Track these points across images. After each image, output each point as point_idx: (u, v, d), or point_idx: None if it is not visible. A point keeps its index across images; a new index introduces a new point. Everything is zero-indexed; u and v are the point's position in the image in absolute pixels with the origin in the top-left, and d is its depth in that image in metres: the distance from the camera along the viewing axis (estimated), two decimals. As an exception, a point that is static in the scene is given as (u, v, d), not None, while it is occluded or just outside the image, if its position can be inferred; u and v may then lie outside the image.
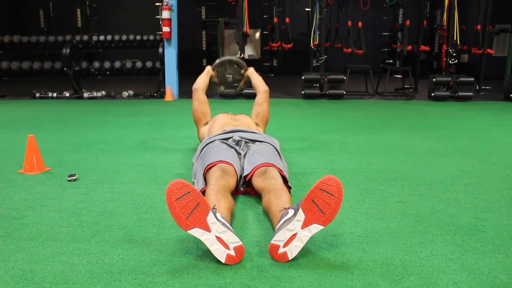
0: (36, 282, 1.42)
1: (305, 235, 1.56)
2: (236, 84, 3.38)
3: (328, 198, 1.56)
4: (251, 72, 3.33)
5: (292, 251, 1.56)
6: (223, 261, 1.53)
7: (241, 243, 1.54)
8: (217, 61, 3.32)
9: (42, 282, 1.42)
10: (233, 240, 1.53)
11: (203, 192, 2.06)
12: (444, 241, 1.74)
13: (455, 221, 1.96)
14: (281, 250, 1.56)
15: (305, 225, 1.55)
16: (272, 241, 1.57)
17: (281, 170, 2.19)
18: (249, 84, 3.57)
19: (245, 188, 2.29)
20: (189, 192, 1.53)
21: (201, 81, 3.14)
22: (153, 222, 1.94)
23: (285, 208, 1.71)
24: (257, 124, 2.97)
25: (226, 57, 3.36)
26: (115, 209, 2.09)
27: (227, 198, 1.92)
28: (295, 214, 1.58)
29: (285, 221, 1.59)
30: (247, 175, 2.21)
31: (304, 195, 1.60)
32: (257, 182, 2.14)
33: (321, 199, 1.56)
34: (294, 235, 1.56)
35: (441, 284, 1.41)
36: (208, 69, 3.25)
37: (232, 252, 1.53)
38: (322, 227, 1.56)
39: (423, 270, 1.50)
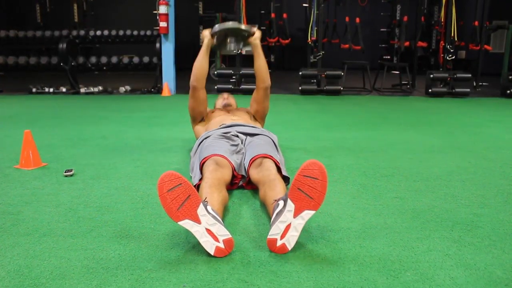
0: (33, 278, 1.42)
1: (299, 223, 1.58)
2: (238, 45, 2.96)
3: (313, 183, 1.57)
4: (255, 44, 2.82)
5: (290, 241, 1.57)
6: (212, 253, 1.54)
7: (230, 236, 1.56)
8: (217, 27, 2.75)
9: (39, 277, 1.42)
10: (222, 232, 1.55)
11: (199, 186, 2.06)
12: (441, 237, 1.74)
13: (452, 216, 1.96)
14: (279, 243, 1.57)
15: (296, 213, 1.57)
16: (268, 236, 1.58)
17: (276, 160, 2.21)
18: (250, 75, 3.40)
19: (244, 182, 2.28)
20: (181, 184, 1.55)
21: (200, 72, 2.75)
22: (150, 217, 1.93)
23: (275, 200, 1.73)
24: (255, 119, 2.96)
25: (229, 25, 2.77)
26: (112, 205, 2.09)
27: (221, 191, 1.92)
28: (285, 205, 1.59)
29: (277, 214, 1.62)
30: (247, 169, 2.24)
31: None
32: (253, 174, 2.16)
33: (306, 185, 1.57)
34: (289, 226, 1.57)
35: (438, 280, 1.41)
36: (207, 41, 2.77)
37: (221, 245, 1.54)
38: (313, 211, 1.58)
39: (420, 266, 1.51)
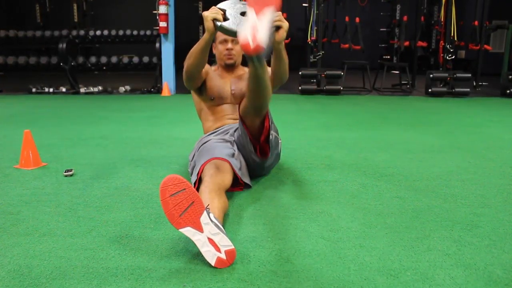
0: (33, 277, 1.41)
1: (262, 20, 1.62)
2: None
3: None
4: (279, 50, 2.22)
5: (262, 38, 1.61)
6: (212, 264, 1.47)
7: (233, 247, 1.50)
8: (226, 26, 2.10)
9: (39, 277, 1.42)
10: (225, 243, 1.49)
11: (197, 189, 2.03)
12: (440, 237, 1.74)
13: (452, 216, 1.96)
14: (252, 45, 1.61)
15: (257, 13, 1.61)
16: (240, 42, 1.63)
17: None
18: None
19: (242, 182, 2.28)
20: (185, 189, 1.49)
21: (194, 72, 2.38)
22: (150, 217, 1.93)
23: None
24: None
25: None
26: (112, 204, 2.09)
27: (221, 197, 1.86)
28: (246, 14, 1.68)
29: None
30: (238, 109, 2.26)
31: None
32: (241, 106, 2.20)
33: None
34: (254, 26, 1.61)
35: (438, 279, 1.41)
36: (208, 38, 2.19)
37: (223, 256, 1.48)
38: (273, 7, 1.61)
39: (420, 265, 1.51)
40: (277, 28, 2.03)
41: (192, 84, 2.49)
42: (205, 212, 1.50)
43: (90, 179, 2.48)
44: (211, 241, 1.48)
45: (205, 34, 2.18)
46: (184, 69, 2.37)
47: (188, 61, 2.33)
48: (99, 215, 1.96)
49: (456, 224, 1.87)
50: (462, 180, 2.50)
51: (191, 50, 2.30)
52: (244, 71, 2.64)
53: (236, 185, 2.26)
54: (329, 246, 1.66)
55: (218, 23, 2.12)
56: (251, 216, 1.96)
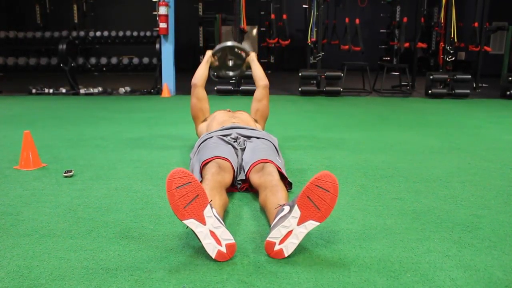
0: (32, 278, 1.41)
1: (300, 232, 1.56)
2: (237, 70, 3.24)
3: (324, 194, 1.56)
4: (252, 59, 3.16)
5: (288, 248, 1.56)
6: (213, 256, 1.52)
7: (233, 241, 1.54)
8: (218, 46, 3.16)
9: (38, 278, 1.42)
10: (226, 236, 1.53)
11: None
12: (441, 238, 1.74)
13: (452, 218, 1.96)
14: (277, 247, 1.55)
15: (301, 221, 1.55)
16: (268, 238, 1.57)
17: (278, 166, 2.18)
18: (249, 76, 3.48)
19: (241, 185, 2.28)
20: (190, 182, 1.53)
21: (200, 74, 3.02)
22: (150, 218, 1.93)
23: (280, 205, 1.71)
24: (256, 121, 2.96)
25: (227, 43, 3.17)
26: (112, 205, 2.08)
27: (222, 195, 1.91)
28: (290, 211, 1.57)
29: (280, 218, 1.59)
30: (246, 172, 2.21)
31: (299, 192, 1.60)
32: (254, 179, 2.13)
33: (316, 195, 1.55)
34: (290, 232, 1.55)
35: (438, 281, 1.41)
36: (208, 56, 3.11)
37: (223, 249, 1.52)
38: (318, 223, 1.56)
39: (420, 267, 1.50)
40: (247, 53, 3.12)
41: (197, 97, 2.98)
42: (208, 206, 1.54)
43: (90, 180, 2.48)
44: (212, 234, 1.52)
45: (205, 57, 3.12)
46: (192, 81, 3.01)
47: (194, 76, 3.03)
48: (99, 216, 1.96)
49: (456, 226, 1.87)
50: (462, 182, 2.50)
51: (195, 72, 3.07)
52: None
53: (233, 186, 2.26)
54: (329, 247, 1.66)
55: (219, 73, 3.23)
56: (251, 217, 1.95)
